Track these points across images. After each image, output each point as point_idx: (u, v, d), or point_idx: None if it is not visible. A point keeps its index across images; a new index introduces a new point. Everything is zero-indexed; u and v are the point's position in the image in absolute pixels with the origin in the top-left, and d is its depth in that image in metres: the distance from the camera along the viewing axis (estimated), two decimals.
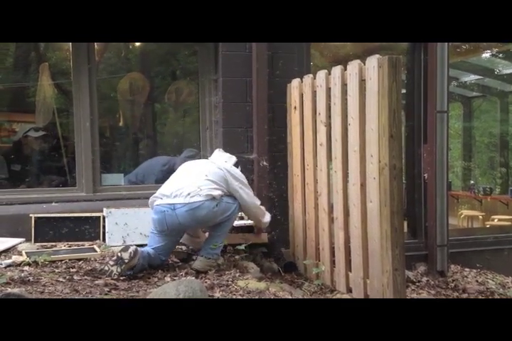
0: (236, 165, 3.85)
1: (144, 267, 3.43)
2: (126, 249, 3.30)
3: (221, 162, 3.76)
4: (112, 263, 3.30)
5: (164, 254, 3.58)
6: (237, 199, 3.64)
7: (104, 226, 3.98)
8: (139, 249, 3.35)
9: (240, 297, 3.00)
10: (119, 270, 3.26)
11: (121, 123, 5.78)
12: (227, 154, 3.95)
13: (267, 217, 3.94)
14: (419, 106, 4.77)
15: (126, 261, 3.25)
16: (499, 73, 8.92)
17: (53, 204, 4.10)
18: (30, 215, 3.91)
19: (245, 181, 3.73)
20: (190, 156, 4.41)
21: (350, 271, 3.50)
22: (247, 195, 3.69)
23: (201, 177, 3.54)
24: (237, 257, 3.87)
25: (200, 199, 3.43)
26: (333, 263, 3.72)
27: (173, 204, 3.45)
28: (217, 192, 3.50)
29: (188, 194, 3.44)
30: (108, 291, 2.99)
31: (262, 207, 3.88)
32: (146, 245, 3.70)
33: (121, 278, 3.28)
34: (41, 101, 5.01)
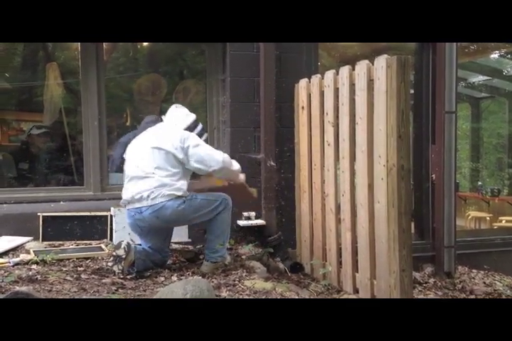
0: (194, 124, 3.62)
1: (146, 263, 3.43)
2: (118, 245, 3.34)
3: (171, 133, 3.48)
4: (110, 264, 3.32)
5: (160, 251, 3.56)
6: (202, 172, 3.49)
7: (111, 225, 3.99)
8: (131, 243, 3.39)
9: (246, 297, 3.00)
10: (120, 267, 3.28)
11: (128, 123, 5.80)
12: (183, 112, 3.67)
13: (236, 164, 3.65)
14: (428, 106, 4.75)
15: (123, 256, 3.28)
16: (508, 74, 8.88)
17: (61, 203, 4.12)
18: (38, 214, 3.93)
19: (202, 148, 3.43)
20: (150, 122, 4.02)
21: (357, 272, 3.49)
22: (208, 164, 3.42)
23: (155, 173, 3.36)
24: (243, 257, 3.87)
25: (162, 199, 3.34)
26: (339, 263, 3.71)
27: (139, 207, 3.40)
28: (180, 191, 3.36)
29: (148, 196, 3.35)
30: (115, 290, 3.00)
31: (226, 157, 3.52)
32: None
33: (128, 276, 3.29)
34: (48, 101, 5.03)
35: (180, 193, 3.37)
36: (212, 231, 3.55)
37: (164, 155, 3.39)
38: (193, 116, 3.67)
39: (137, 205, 3.40)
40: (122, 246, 3.31)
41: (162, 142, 3.42)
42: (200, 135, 3.58)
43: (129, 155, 3.60)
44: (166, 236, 3.64)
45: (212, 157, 3.43)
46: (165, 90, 5.48)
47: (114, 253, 3.33)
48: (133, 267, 3.34)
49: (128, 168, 3.54)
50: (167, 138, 3.44)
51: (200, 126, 3.66)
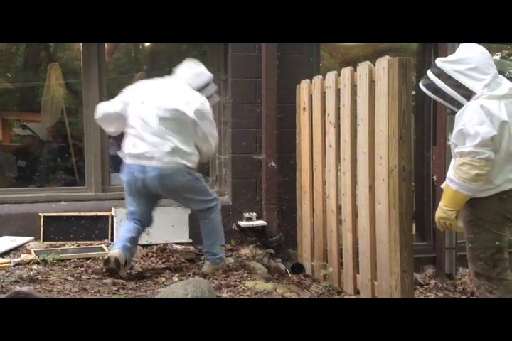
0: (206, 87, 3.44)
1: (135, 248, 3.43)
2: (107, 261, 3.19)
3: (188, 94, 3.30)
4: (109, 276, 3.25)
5: (142, 221, 3.44)
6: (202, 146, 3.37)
7: (112, 226, 3.99)
8: (116, 251, 3.21)
9: (247, 297, 3.00)
10: (120, 276, 3.24)
11: None
12: (198, 70, 3.46)
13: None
14: (429, 107, 4.75)
15: (118, 270, 3.20)
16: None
17: (62, 203, 4.12)
18: (39, 214, 3.93)
19: (210, 123, 3.37)
20: None
21: (358, 273, 3.49)
22: (205, 143, 3.36)
23: (172, 136, 3.21)
24: (244, 258, 3.87)
25: (173, 166, 3.21)
26: (340, 264, 3.71)
27: (145, 166, 3.22)
28: (193, 162, 3.28)
29: (160, 158, 3.19)
30: (116, 290, 3.00)
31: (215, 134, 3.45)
32: (147, 245, 3.73)
33: (129, 276, 3.29)
34: (50, 101, 5.03)
35: (191, 164, 3.30)
36: (207, 236, 3.52)
37: (182, 117, 3.24)
38: (207, 76, 3.48)
39: (144, 163, 3.23)
40: (111, 263, 3.18)
41: (179, 102, 3.25)
42: (211, 100, 3.46)
43: (135, 101, 3.34)
44: (154, 205, 3.52)
45: (212, 139, 3.41)
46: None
47: (106, 268, 3.22)
48: (129, 264, 3.32)
49: (136, 117, 3.30)
50: (184, 100, 3.27)
51: (213, 89, 3.50)
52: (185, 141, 3.26)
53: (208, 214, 3.49)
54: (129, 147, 3.32)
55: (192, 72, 3.46)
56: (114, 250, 3.25)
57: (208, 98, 3.43)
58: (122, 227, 3.51)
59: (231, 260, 3.67)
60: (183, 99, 3.29)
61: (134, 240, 3.38)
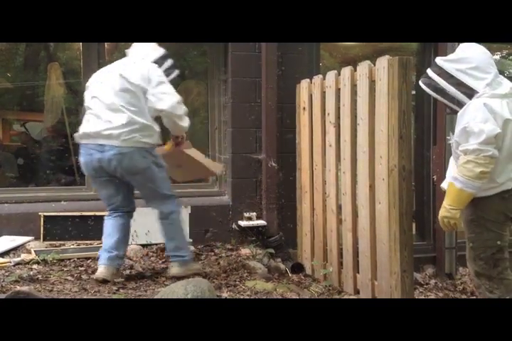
0: (162, 60, 3.31)
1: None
2: (96, 281, 3.11)
3: (139, 65, 3.19)
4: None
5: (123, 208, 3.28)
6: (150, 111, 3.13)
7: None
8: (100, 271, 3.13)
9: (247, 297, 3.00)
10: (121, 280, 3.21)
11: None
12: (150, 45, 3.34)
13: (186, 119, 3.31)
14: (429, 107, 4.75)
15: (110, 280, 3.12)
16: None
17: (62, 202, 4.12)
18: (40, 214, 3.93)
19: (165, 85, 3.16)
20: None
21: (358, 273, 3.49)
22: (162, 102, 3.11)
23: (126, 107, 3.07)
24: (244, 257, 3.88)
25: (133, 145, 3.06)
26: (340, 264, 3.71)
27: (103, 145, 3.06)
28: (153, 138, 3.13)
29: (119, 135, 3.03)
30: (116, 290, 3.00)
31: (181, 105, 3.24)
32: (147, 244, 3.77)
33: (129, 276, 3.29)
34: (50, 101, 5.03)
35: (151, 141, 3.14)
36: (170, 238, 3.32)
37: (133, 88, 3.11)
38: (161, 51, 3.36)
39: (101, 142, 3.07)
40: (100, 281, 3.10)
41: (130, 73, 3.14)
42: (168, 73, 3.29)
43: (93, 84, 3.26)
44: (127, 189, 3.31)
45: (168, 96, 3.15)
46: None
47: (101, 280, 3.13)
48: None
49: (91, 98, 3.20)
50: (135, 70, 3.16)
51: (169, 62, 3.34)
52: (140, 112, 3.11)
53: (169, 213, 3.29)
54: (85, 126, 3.19)
55: (146, 47, 3.35)
56: (99, 269, 3.15)
57: (166, 71, 3.30)
58: (104, 231, 3.31)
59: (197, 266, 3.47)
60: (133, 69, 3.19)
61: (120, 241, 3.26)
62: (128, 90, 3.11)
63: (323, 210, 3.90)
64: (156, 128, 3.20)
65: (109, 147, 3.06)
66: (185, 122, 3.29)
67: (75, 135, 3.24)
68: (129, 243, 3.70)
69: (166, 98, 3.13)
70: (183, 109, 3.22)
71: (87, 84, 3.34)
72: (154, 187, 3.23)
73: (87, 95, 3.28)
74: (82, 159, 3.21)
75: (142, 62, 3.23)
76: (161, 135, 3.30)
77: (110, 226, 3.28)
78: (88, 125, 3.16)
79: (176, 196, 3.37)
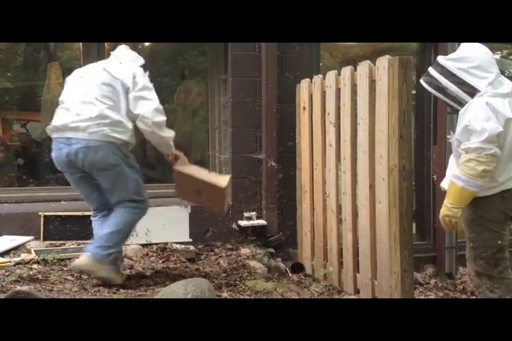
0: (145, 68, 3.19)
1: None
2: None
3: (122, 66, 3.10)
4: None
5: (97, 208, 3.17)
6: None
7: None
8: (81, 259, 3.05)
9: (247, 297, 3.00)
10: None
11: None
12: (133, 54, 3.27)
13: (169, 131, 3.15)
14: (429, 107, 4.75)
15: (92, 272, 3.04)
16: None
17: (62, 202, 4.12)
18: (40, 213, 3.93)
19: (149, 91, 3.04)
20: None
21: (358, 273, 3.49)
22: (141, 107, 2.97)
23: (98, 100, 2.95)
24: (244, 257, 3.88)
25: (100, 138, 2.90)
26: (341, 264, 3.71)
27: (70, 138, 2.93)
28: (124, 135, 2.96)
29: (86, 128, 2.89)
30: (116, 290, 3.00)
31: (162, 116, 3.07)
32: (147, 244, 3.75)
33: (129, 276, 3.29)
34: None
35: (122, 137, 2.97)
36: (111, 226, 3.04)
37: (114, 82, 3.00)
38: (142, 60, 3.26)
39: (68, 135, 2.95)
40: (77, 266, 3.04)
41: (115, 68, 3.07)
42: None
43: (73, 79, 3.19)
44: (101, 191, 3.14)
45: (148, 102, 3.01)
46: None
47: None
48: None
49: (67, 92, 3.15)
50: (122, 68, 3.08)
51: (147, 73, 3.19)
52: (115, 107, 2.98)
53: (128, 210, 3.08)
54: (55, 119, 3.09)
55: (131, 53, 3.31)
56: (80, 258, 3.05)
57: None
58: (94, 233, 3.24)
59: (113, 274, 3.07)
60: (119, 67, 3.12)
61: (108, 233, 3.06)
62: (108, 84, 3.00)
63: (324, 210, 3.90)
64: (130, 125, 3.02)
65: (76, 140, 2.92)
66: (166, 132, 3.11)
67: (46, 128, 3.12)
68: (129, 243, 3.70)
69: (145, 103, 3.00)
70: (161, 118, 3.05)
71: (67, 79, 3.26)
72: (122, 187, 3.03)
73: (64, 90, 3.20)
74: (53, 154, 3.08)
75: (131, 64, 3.16)
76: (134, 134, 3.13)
77: (99, 227, 3.18)
78: (57, 118, 3.06)
79: (146, 202, 3.15)
